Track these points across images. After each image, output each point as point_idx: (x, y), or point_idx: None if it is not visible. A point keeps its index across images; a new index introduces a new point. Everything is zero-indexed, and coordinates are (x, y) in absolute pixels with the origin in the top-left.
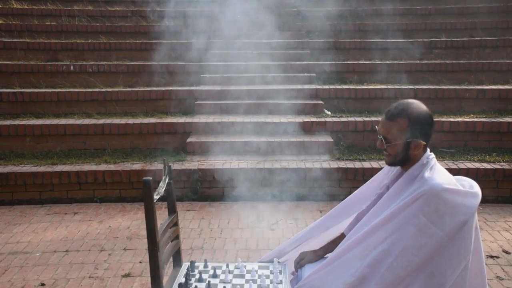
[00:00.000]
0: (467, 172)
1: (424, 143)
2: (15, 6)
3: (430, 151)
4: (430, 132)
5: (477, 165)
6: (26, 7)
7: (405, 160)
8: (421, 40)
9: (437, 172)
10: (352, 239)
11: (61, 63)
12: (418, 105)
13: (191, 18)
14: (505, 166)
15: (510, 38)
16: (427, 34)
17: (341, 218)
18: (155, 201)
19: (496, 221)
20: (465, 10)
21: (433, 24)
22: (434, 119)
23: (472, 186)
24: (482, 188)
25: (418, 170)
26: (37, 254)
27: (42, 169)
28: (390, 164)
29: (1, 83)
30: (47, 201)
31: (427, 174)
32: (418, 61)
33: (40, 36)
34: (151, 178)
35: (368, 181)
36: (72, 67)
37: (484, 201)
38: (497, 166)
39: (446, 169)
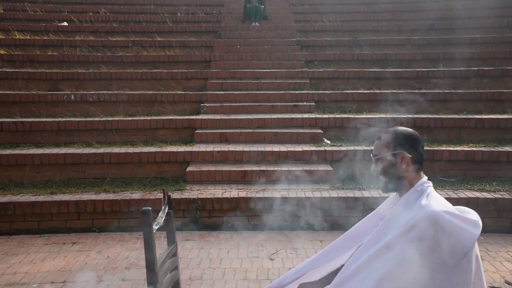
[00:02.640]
0: (467, 202)
1: (410, 155)
2: (17, 37)
3: (428, 179)
4: (416, 148)
5: (477, 194)
6: (28, 38)
7: (395, 178)
8: (419, 69)
9: (433, 199)
10: (350, 269)
11: (62, 92)
12: (405, 127)
13: (191, 48)
14: (506, 195)
15: (508, 68)
16: (425, 64)
17: (342, 251)
18: (154, 231)
19: (497, 251)
20: (462, 40)
21: (431, 54)
22: (433, 148)
23: (472, 215)
24: (482, 218)
25: (414, 197)
26: (34, 286)
27: (41, 198)
28: (385, 188)
29: (2, 113)
30: (45, 231)
31: (424, 201)
32: (417, 91)
33: (41, 66)
34: (150, 208)
35: (370, 213)
36: (72, 97)
37: (485, 230)
38: (497, 195)
39: (446, 198)
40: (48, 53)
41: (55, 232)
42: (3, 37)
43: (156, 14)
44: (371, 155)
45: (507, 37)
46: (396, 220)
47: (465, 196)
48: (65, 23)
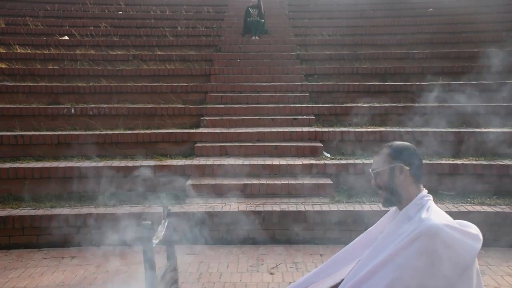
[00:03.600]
0: (467, 215)
1: (408, 168)
2: (18, 51)
3: (428, 193)
4: (414, 161)
5: (478, 208)
6: (29, 52)
7: (394, 191)
8: (418, 83)
9: (434, 213)
10: (350, 283)
11: (62, 106)
12: (403, 141)
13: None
14: (506, 209)
15: (507, 82)
16: (424, 78)
17: (343, 265)
18: (154, 245)
19: (498, 266)
20: (461, 54)
21: (430, 68)
22: (434, 162)
23: (473, 229)
24: (483, 232)
25: (414, 210)
26: None
27: (40, 212)
28: (385, 202)
29: (2, 126)
30: (44, 245)
31: (424, 215)
32: (417, 104)
33: (42, 79)
34: (150, 222)
35: (370, 227)
36: (73, 110)
37: (486, 244)
38: (497, 209)
39: (447, 211)
40: (49, 67)
41: (54, 246)
42: (4, 51)
43: (157, 28)
44: (370, 170)
45: (506, 51)
46: (396, 233)
47: (466, 210)
48: (66, 37)
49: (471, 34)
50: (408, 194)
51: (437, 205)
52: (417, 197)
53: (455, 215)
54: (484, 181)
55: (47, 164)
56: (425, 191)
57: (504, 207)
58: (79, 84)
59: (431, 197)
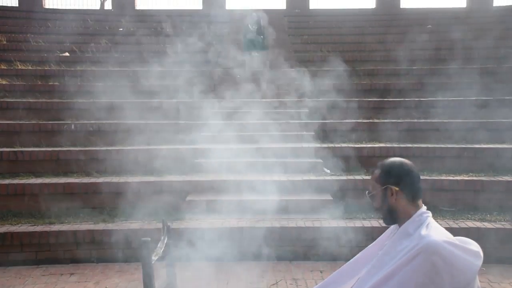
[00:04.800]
0: (468, 232)
1: (397, 188)
2: (19, 67)
3: (428, 209)
4: (407, 179)
5: (478, 224)
6: (30, 68)
7: (391, 211)
8: (418, 99)
9: (433, 229)
10: None
11: (62, 122)
12: (395, 158)
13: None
14: (507, 225)
15: (506, 98)
16: (424, 94)
17: (343, 282)
18: (153, 262)
19: (500, 283)
20: (460, 70)
21: (430, 84)
22: (433, 178)
23: (473, 246)
24: (484, 248)
25: (412, 227)
26: None
27: (39, 228)
28: (384, 220)
29: (2, 143)
30: (43, 261)
31: (423, 231)
32: (416, 120)
33: (42, 96)
34: (149, 238)
35: (370, 245)
36: (73, 126)
37: (487, 261)
38: (498, 225)
39: (447, 228)
40: (49, 83)
41: (52, 263)
42: (5, 67)
43: (157, 44)
44: (366, 193)
45: (505, 67)
46: (396, 250)
47: (466, 226)
48: (67, 54)
49: (470, 51)
50: (404, 212)
51: (437, 221)
52: (416, 214)
53: (455, 231)
54: (484, 197)
55: (46, 180)
56: (424, 208)
57: (504, 223)
58: (79, 100)
59: (430, 214)
